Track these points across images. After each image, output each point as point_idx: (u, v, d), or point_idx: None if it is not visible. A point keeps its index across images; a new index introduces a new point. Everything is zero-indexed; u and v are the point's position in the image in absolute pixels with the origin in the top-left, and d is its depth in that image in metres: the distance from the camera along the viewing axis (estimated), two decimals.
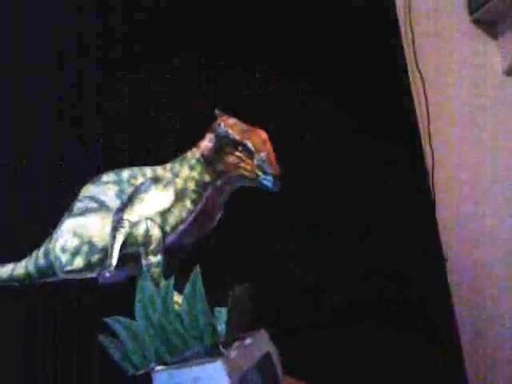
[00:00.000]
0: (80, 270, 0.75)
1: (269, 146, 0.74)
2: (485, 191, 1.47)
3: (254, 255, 1.12)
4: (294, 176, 1.23)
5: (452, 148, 1.48)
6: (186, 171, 0.77)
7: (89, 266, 0.74)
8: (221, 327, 0.69)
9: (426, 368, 1.28)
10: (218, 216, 0.80)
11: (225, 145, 0.74)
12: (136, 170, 0.79)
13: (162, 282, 0.71)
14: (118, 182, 0.77)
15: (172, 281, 0.69)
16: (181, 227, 0.75)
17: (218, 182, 0.76)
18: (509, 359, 1.40)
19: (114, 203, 0.76)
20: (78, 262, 0.74)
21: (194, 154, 0.77)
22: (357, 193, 1.31)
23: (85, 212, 0.76)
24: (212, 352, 0.66)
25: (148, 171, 0.78)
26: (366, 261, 1.28)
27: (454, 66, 1.51)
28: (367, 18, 1.40)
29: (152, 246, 0.73)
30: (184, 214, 0.75)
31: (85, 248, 0.74)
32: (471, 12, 1.50)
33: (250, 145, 0.73)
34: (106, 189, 0.77)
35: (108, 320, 0.70)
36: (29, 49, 1.09)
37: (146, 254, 0.73)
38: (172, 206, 0.75)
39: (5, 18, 1.09)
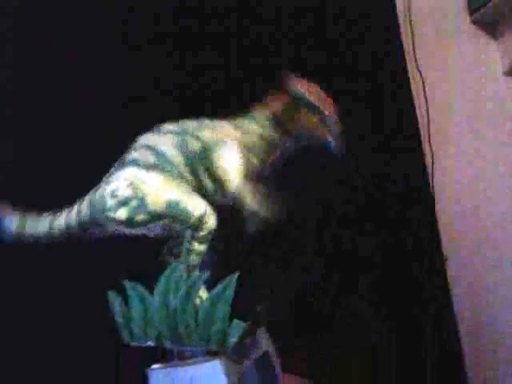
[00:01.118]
0: (119, 222, 0.70)
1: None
2: (485, 191, 1.47)
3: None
4: (293, 175, 1.23)
5: (452, 148, 1.48)
6: (254, 127, 0.75)
7: (130, 222, 0.69)
8: (232, 340, 0.67)
9: (425, 368, 1.28)
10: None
11: (301, 107, 0.75)
12: (202, 121, 0.74)
13: (195, 273, 0.68)
14: (181, 133, 0.72)
15: (206, 275, 0.66)
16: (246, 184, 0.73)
17: (287, 144, 0.76)
18: (509, 359, 1.39)
19: (175, 154, 0.71)
20: (121, 213, 0.69)
21: (263, 113, 0.76)
22: (356, 193, 1.31)
23: (149, 167, 0.70)
24: (210, 354, 0.65)
25: (215, 123, 0.74)
26: (365, 261, 1.28)
27: (453, 66, 1.51)
28: (367, 17, 1.40)
29: (202, 233, 0.69)
30: (250, 171, 0.73)
31: (134, 202, 0.69)
32: (471, 12, 1.50)
33: (326, 112, 0.75)
34: (166, 139, 0.72)
35: (126, 283, 0.67)
36: None
37: (192, 239, 0.69)
38: (239, 163, 0.72)
39: None
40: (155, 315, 0.65)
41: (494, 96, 1.50)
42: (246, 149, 0.73)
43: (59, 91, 1.10)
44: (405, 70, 1.45)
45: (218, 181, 0.72)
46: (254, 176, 0.73)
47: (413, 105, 1.45)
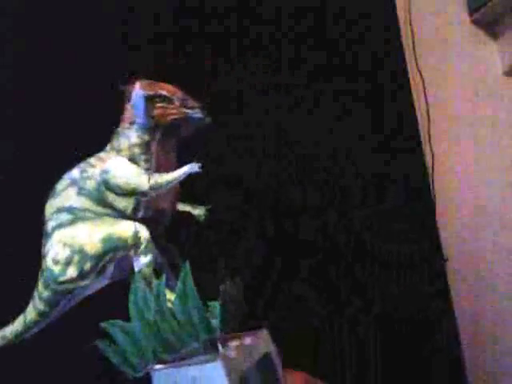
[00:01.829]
0: (73, 280, 0.75)
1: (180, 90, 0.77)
2: (485, 191, 1.47)
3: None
4: (292, 174, 1.23)
5: (452, 148, 1.48)
6: (125, 142, 0.78)
7: (82, 275, 0.74)
8: (215, 321, 0.69)
9: (425, 368, 1.28)
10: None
11: (145, 105, 0.76)
12: (82, 164, 0.79)
13: (154, 281, 0.71)
14: (73, 183, 0.77)
15: (163, 279, 0.69)
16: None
17: (157, 136, 0.77)
18: (509, 359, 1.40)
19: (82, 201, 0.76)
20: (71, 272, 0.74)
21: (123, 126, 0.79)
22: (356, 193, 1.31)
23: (69, 223, 0.76)
24: (209, 349, 0.66)
25: (93, 160, 0.79)
26: (365, 261, 1.28)
27: (453, 66, 1.51)
28: (367, 17, 1.40)
29: (142, 247, 0.74)
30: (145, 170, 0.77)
31: (76, 257, 0.74)
32: (471, 12, 1.50)
33: (164, 92, 0.76)
34: (65, 196, 0.77)
35: (104, 324, 0.70)
36: None
37: (137, 255, 0.74)
38: (133, 168, 0.77)
39: None
40: (142, 338, 0.67)
41: (493, 96, 1.50)
42: (131, 160, 0.77)
43: (59, 91, 1.10)
44: (405, 70, 1.45)
45: (127, 193, 0.76)
46: (150, 173, 0.76)
47: (413, 105, 1.45)
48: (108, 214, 0.76)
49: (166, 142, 0.78)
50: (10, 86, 1.08)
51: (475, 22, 1.51)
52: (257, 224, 1.22)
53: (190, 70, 1.19)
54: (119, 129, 0.80)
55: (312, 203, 1.26)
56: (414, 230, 1.35)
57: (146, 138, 0.77)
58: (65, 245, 0.75)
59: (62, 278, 0.74)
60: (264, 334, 0.74)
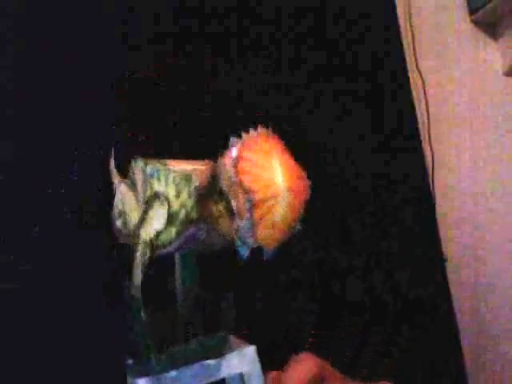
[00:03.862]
0: (118, 231, 0.69)
1: (267, 205, 0.55)
2: (485, 191, 1.47)
3: None
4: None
5: (452, 148, 1.48)
6: (185, 195, 0.65)
7: (120, 234, 0.69)
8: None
9: (425, 368, 1.28)
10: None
11: (214, 189, 0.59)
12: (155, 168, 0.67)
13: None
14: (144, 173, 0.67)
15: None
16: (160, 252, 0.66)
17: (200, 226, 0.62)
18: (510, 359, 1.40)
19: (140, 191, 0.72)
20: (118, 224, 0.68)
21: (196, 179, 0.64)
22: (356, 193, 1.31)
23: (130, 187, 0.69)
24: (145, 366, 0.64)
25: (163, 175, 0.66)
26: (365, 261, 1.28)
27: (454, 66, 1.51)
28: (367, 17, 1.40)
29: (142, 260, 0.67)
30: (167, 240, 0.64)
31: (123, 218, 0.68)
32: (471, 12, 1.50)
33: (232, 203, 0.57)
34: (137, 174, 0.68)
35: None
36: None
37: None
38: (164, 228, 0.64)
39: None
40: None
41: (493, 96, 1.50)
42: (171, 216, 0.64)
43: (59, 91, 1.10)
44: (405, 70, 1.45)
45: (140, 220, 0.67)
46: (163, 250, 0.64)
47: (413, 105, 1.45)
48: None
49: (207, 233, 0.62)
50: (10, 86, 1.08)
51: (475, 22, 1.51)
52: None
53: (189, 70, 1.19)
54: (194, 176, 0.64)
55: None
56: (414, 230, 1.35)
57: (193, 215, 0.62)
58: (121, 200, 0.70)
59: (115, 222, 0.68)
60: (249, 352, 0.70)
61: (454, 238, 1.43)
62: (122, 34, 1.16)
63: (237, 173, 0.55)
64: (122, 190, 0.72)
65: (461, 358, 1.36)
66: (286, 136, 1.26)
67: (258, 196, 0.54)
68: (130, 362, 0.67)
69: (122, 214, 0.71)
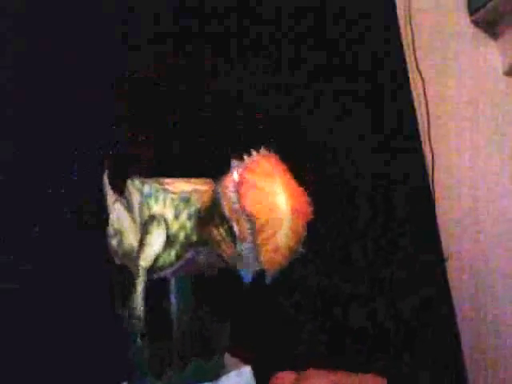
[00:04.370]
0: (112, 251, 0.70)
1: (271, 229, 0.54)
2: (485, 191, 1.47)
3: None
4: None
5: (452, 148, 1.48)
6: (184, 216, 0.64)
7: (116, 254, 0.70)
8: None
9: (425, 368, 1.27)
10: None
11: (216, 213, 0.57)
12: (158, 189, 0.68)
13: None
14: (141, 193, 0.69)
15: None
16: (159, 274, 0.66)
17: (200, 249, 0.62)
18: (510, 359, 1.40)
19: (137, 211, 0.69)
20: (114, 243, 0.70)
21: (197, 201, 0.63)
22: (356, 193, 1.31)
23: (126, 208, 0.71)
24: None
25: (161, 197, 0.67)
26: (365, 261, 1.28)
27: (453, 66, 1.51)
28: (367, 17, 1.40)
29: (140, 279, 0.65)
30: (167, 263, 0.65)
31: (118, 237, 0.70)
32: (471, 12, 1.50)
33: (235, 229, 0.55)
34: (134, 193, 0.70)
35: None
36: None
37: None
38: (163, 250, 0.64)
39: None
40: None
41: (494, 96, 1.50)
42: (170, 239, 0.64)
43: (59, 91, 1.10)
44: (405, 70, 1.45)
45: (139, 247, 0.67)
46: (166, 268, 0.64)
47: (413, 105, 1.45)
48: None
49: (208, 256, 0.62)
50: (10, 86, 1.08)
51: (475, 22, 1.51)
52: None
53: (189, 70, 1.19)
54: (193, 197, 0.64)
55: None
56: (414, 230, 1.35)
57: (193, 238, 0.62)
58: (118, 219, 0.71)
59: (109, 241, 0.72)
60: (244, 373, 0.70)
61: (454, 237, 1.42)
62: (121, 34, 1.16)
63: (239, 197, 0.54)
64: (117, 208, 0.72)
65: (461, 358, 1.36)
66: (287, 136, 1.26)
67: (260, 221, 0.53)
68: None
69: (118, 232, 0.70)
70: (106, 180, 0.75)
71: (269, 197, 0.55)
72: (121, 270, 0.72)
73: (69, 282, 1.02)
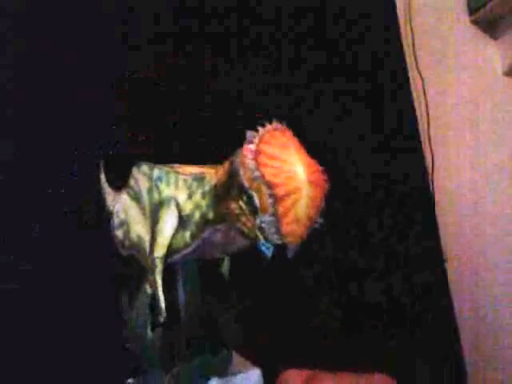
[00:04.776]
0: (118, 241, 0.72)
1: (291, 200, 0.53)
2: (485, 191, 1.47)
3: None
4: None
5: (452, 148, 1.48)
6: (198, 196, 0.64)
7: (122, 244, 0.71)
8: None
9: (425, 368, 1.27)
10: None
11: (233, 185, 0.56)
12: (168, 172, 0.68)
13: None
14: (152, 179, 0.69)
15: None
16: (176, 257, 0.66)
17: (219, 226, 0.61)
18: (509, 359, 1.40)
19: (146, 197, 0.70)
20: (119, 233, 0.72)
21: (211, 179, 0.63)
22: (356, 193, 1.31)
23: (133, 197, 0.71)
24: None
25: (172, 178, 0.67)
26: (365, 261, 1.28)
27: (453, 66, 1.51)
28: (367, 17, 1.40)
29: (150, 276, 0.65)
30: (182, 245, 0.65)
31: (125, 227, 0.71)
32: (471, 12, 1.50)
33: (255, 199, 0.53)
34: (143, 179, 0.70)
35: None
36: None
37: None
38: (177, 232, 0.64)
39: None
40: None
41: (494, 96, 1.50)
42: (184, 219, 0.64)
43: (59, 91, 1.10)
44: (405, 70, 1.45)
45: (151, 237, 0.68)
46: (182, 250, 0.65)
47: (413, 105, 1.45)
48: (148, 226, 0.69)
49: (227, 234, 0.62)
50: (10, 86, 1.08)
51: (475, 22, 1.51)
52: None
53: (189, 70, 1.19)
54: (207, 176, 0.63)
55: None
56: (414, 230, 1.35)
57: (210, 216, 0.61)
58: (124, 210, 0.72)
59: (114, 232, 0.74)
60: (253, 375, 0.70)
61: (454, 237, 1.42)
62: (121, 34, 1.16)
63: (258, 166, 0.54)
64: (124, 200, 0.72)
65: (461, 357, 1.36)
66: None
67: (281, 191, 0.53)
68: (131, 381, 0.67)
69: (124, 223, 0.71)
70: (103, 178, 0.75)
71: (286, 166, 0.54)
72: (127, 262, 0.72)
73: (69, 282, 1.02)
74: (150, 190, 0.69)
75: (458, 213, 1.45)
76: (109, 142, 1.06)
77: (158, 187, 0.67)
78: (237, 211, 0.56)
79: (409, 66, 1.46)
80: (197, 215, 0.63)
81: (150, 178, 0.69)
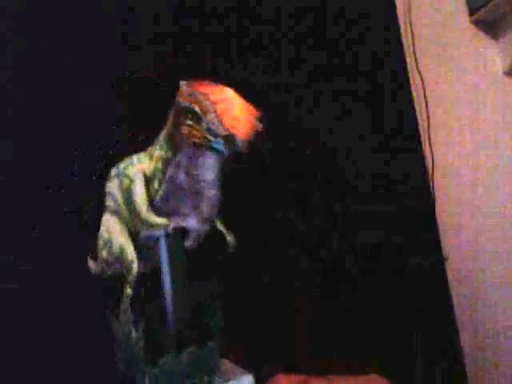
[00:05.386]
0: (104, 261, 0.74)
1: (225, 104, 0.64)
2: (485, 191, 1.47)
3: None
4: (292, 173, 1.23)
5: (452, 148, 1.48)
6: (156, 151, 0.71)
7: (107, 263, 0.74)
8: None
9: (425, 368, 1.28)
10: (213, 194, 0.70)
11: (178, 115, 0.66)
12: (127, 159, 0.75)
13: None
14: (119, 174, 0.74)
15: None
16: (154, 207, 0.71)
17: (178, 158, 0.68)
18: (509, 359, 1.40)
19: (119, 196, 0.74)
20: (104, 254, 0.74)
21: (163, 133, 0.71)
22: (356, 193, 1.31)
23: (112, 212, 0.75)
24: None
25: (135, 159, 0.74)
26: (365, 261, 1.28)
27: (453, 66, 1.51)
28: (367, 17, 1.40)
29: (130, 278, 0.70)
30: (153, 194, 0.71)
31: (108, 245, 0.74)
32: (471, 12, 1.50)
33: (196, 108, 0.63)
34: (113, 183, 0.75)
35: None
36: None
37: (125, 283, 0.70)
38: (147, 189, 0.71)
39: None
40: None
41: (494, 96, 1.50)
42: (151, 175, 0.71)
43: (59, 91, 1.10)
44: (405, 70, 1.45)
45: (133, 213, 0.73)
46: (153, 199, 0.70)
47: (413, 105, 1.45)
48: (127, 222, 0.74)
49: (189, 166, 0.67)
50: (10, 86, 1.08)
51: (475, 22, 1.51)
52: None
53: (189, 70, 1.19)
54: (161, 133, 0.71)
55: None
56: (414, 230, 1.35)
57: (169, 155, 0.68)
58: (107, 229, 0.74)
59: (100, 254, 0.75)
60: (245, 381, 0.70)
61: (453, 237, 1.43)
62: (121, 34, 1.16)
63: (192, 88, 0.64)
64: (105, 220, 0.75)
65: (461, 358, 1.36)
66: (287, 136, 1.25)
67: (215, 97, 0.63)
68: None
69: (108, 242, 0.74)
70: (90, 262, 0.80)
71: (217, 87, 0.65)
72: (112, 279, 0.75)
73: (69, 282, 1.02)
74: (121, 183, 0.73)
75: (457, 213, 1.45)
76: (109, 141, 1.06)
77: (125, 174, 0.73)
78: (187, 130, 0.64)
79: (409, 66, 1.46)
80: (159, 164, 0.70)
81: (117, 175, 0.74)
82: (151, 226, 0.69)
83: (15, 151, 1.06)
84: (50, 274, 1.02)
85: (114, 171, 0.76)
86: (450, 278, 1.39)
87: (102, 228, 0.75)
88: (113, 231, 0.74)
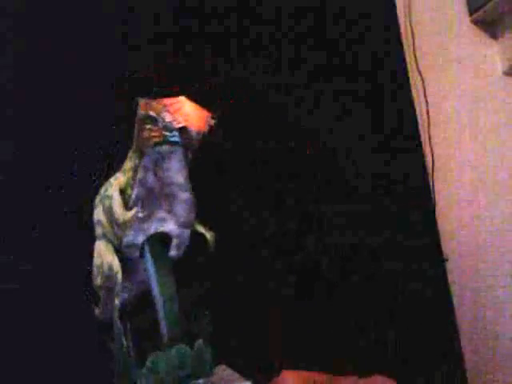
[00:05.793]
0: (98, 288, 0.78)
1: (177, 106, 0.74)
2: (485, 191, 1.47)
3: None
4: (292, 173, 1.23)
5: (452, 148, 1.48)
6: (128, 164, 0.76)
7: (102, 287, 0.77)
8: None
9: (426, 368, 1.27)
10: (186, 197, 0.75)
11: (139, 125, 0.73)
12: (106, 183, 0.79)
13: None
14: (101, 199, 0.78)
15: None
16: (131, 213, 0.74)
17: (143, 162, 0.72)
18: (510, 360, 1.39)
19: (104, 219, 0.77)
20: (98, 281, 0.77)
21: (132, 147, 0.77)
22: (356, 193, 1.31)
23: (100, 237, 0.79)
24: None
25: (112, 179, 0.78)
26: (365, 261, 1.28)
27: (453, 66, 1.51)
28: (367, 17, 1.40)
29: (116, 289, 0.73)
30: (127, 199, 0.75)
31: (101, 269, 0.77)
32: (471, 12, 1.50)
33: (151, 112, 0.72)
34: (99, 208, 0.78)
35: None
36: None
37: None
38: (123, 197, 0.75)
39: None
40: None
41: (494, 96, 1.50)
42: (125, 186, 0.75)
43: (59, 91, 1.10)
44: (405, 70, 1.45)
45: (113, 222, 0.76)
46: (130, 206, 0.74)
47: (413, 105, 1.45)
48: (113, 238, 0.77)
49: (156, 169, 0.72)
50: (10, 86, 1.08)
51: (475, 22, 1.51)
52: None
53: (189, 70, 1.19)
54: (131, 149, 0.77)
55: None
56: (414, 230, 1.35)
57: (136, 162, 0.74)
58: (99, 255, 0.77)
59: (95, 282, 0.78)
60: None
61: (453, 237, 1.42)
62: (121, 34, 1.16)
63: (147, 102, 0.73)
64: (97, 246, 0.78)
65: (461, 358, 1.36)
66: (287, 136, 1.25)
67: (167, 101, 0.73)
68: None
69: (100, 267, 0.77)
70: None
71: (171, 98, 0.74)
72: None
73: (69, 282, 1.02)
74: (104, 209, 0.77)
75: (457, 213, 1.45)
76: (109, 142, 1.06)
77: (107, 196, 0.77)
78: (147, 134, 0.71)
79: (409, 66, 1.46)
80: (130, 173, 0.75)
81: (101, 200, 0.78)
82: (126, 222, 0.72)
83: (15, 151, 1.06)
84: (50, 273, 1.02)
85: (97, 199, 0.79)
86: (450, 278, 1.39)
87: (95, 255, 0.78)
88: (103, 254, 0.77)
